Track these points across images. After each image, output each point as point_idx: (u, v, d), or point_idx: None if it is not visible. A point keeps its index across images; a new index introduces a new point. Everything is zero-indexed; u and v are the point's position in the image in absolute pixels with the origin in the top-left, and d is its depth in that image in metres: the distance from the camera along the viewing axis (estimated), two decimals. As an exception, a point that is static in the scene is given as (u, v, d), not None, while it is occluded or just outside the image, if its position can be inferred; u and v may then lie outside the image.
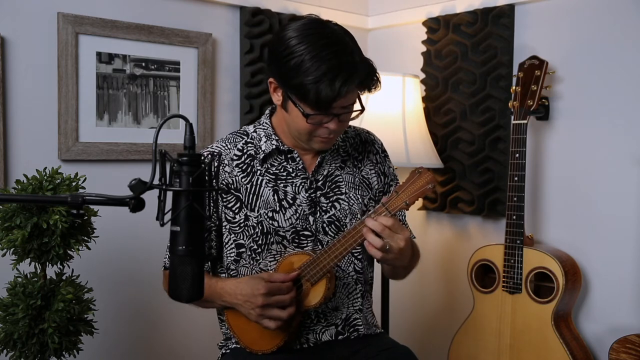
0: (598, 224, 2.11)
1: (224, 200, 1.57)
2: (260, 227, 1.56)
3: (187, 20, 2.28)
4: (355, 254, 1.64)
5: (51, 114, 2.01)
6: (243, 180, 1.58)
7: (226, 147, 1.60)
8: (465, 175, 2.43)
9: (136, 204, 1.00)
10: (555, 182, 2.22)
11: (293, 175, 1.60)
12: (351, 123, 1.59)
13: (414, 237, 1.68)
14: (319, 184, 1.61)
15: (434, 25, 2.52)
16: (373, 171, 1.70)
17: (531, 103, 2.03)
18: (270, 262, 1.57)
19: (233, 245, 1.59)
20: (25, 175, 1.54)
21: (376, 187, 1.69)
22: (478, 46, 2.36)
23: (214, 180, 1.04)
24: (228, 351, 1.65)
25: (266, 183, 1.58)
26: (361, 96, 1.49)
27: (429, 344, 2.65)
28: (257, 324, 1.49)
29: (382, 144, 1.76)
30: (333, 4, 2.70)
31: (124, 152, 2.15)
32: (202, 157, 1.00)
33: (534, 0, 2.24)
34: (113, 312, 2.13)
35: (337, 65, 1.38)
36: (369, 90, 1.49)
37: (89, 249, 1.60)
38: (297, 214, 1.57)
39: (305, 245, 1.58)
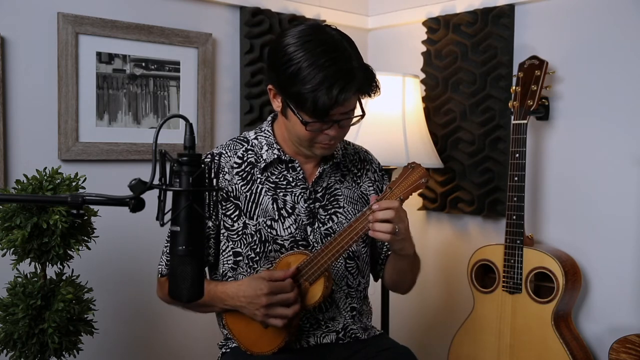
0: (598, 224, 2.11)
1: (223, 207, 1.57)
2: (259, 236, 1.56)
3: (187, 20, 2.28)
4: (349, 268, 1.63)
5: (51, 114, 2.01)
6: (243, 188, 1.57)
7: (226, 155, 1.59)
8: (465, 175, 2.43)
9: (136, 204, 1.00)
10: (555, 182, 2.22)
11: (293, 184, 1.59)
12: (351, 140, 1.57)
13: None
14: (318, 195, 1.61)
15: (434, 25, 2.52)
16: (372, 188, 1.70)
17: (531, 103, 2.03)
18: (268, 269, 1.56)
19: (230, 253, 1.59)
20: (25, 175, 1.54)
21: None
22: (478, 46, 2.36)
23: (214, 180, 1.03)
24: (228, 350, 1.65)
25: (266, 191, 1.57)
26: (362, 100, 1.48)
27: (429, 344, 2.65)
28: (264, 323, 1.49)
29: (379, 164, 1.77)
30: (333, 4, 2.70)
31: (124, 152, 2.15)
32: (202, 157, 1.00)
33: (534, 0, 2.24)
34: (113, 312, 2.13)
35: (335, 73, 1.37)
36: (369, 96, 1.48)
37: (89, 249, 1.60)
38: (296, 224, 1.57)
39: None
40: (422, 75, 2.57)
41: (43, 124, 2.00)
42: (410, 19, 2.66)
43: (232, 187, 1.57)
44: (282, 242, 1.56)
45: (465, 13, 2.41)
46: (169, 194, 0.98)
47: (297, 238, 1.57)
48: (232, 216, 1.57)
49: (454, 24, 2.44)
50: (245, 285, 1.50)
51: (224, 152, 1.60)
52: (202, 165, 0.98)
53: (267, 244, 1.56)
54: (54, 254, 1.52)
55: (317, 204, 1.60)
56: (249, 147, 1.61)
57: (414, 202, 2.61)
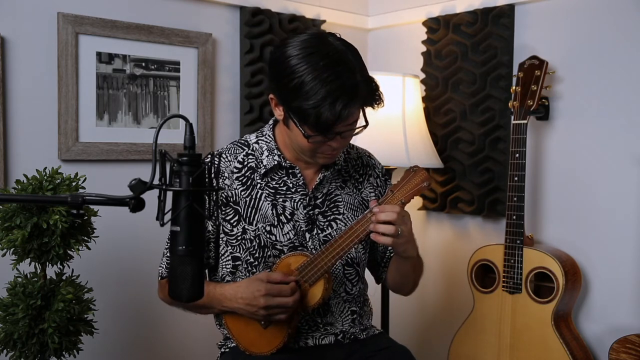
0: (598, 223, 2.11)
1: (223, 212, 1.56)
2: (258, 241, 1.55)
3: (187, 20, 2.28)
4: (347, 275, 1.63)
5: (51, 114, 2.01)
6: (242, 193, 1.56)
7: (226, 158, 1.58)
8: (465, 175, 2.43)
9: (136, 204, 1.00)
10: (555, 182, 2.22)
11: (293, 190, 1.58)
12: (351, 141, 1.56)
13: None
14: (318, 201, 1.60)
15: (434, 25, 2.52)
16: (373, 194, 1.68)
17: (531, 103, 2.03)
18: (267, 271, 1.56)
19: (229, 258, 1.58)
20: (25, 175, 1.54)
21: None
22: (478, 46, 2.36)
23: (215, 180, 1.03)
24: (227, 350, 1.65)
25: (265, 197, 1.56)
26: (365, 110, 1.46)
27: (429, 344, 2.65)
28: (267, 319, 1.49)
29: (382, 168, 1.75)
30: (333, 4, 2.70)
31: (124, 152, 2.15)
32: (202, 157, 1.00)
33: (534, 0, 2.24)
34: (113, 312, 2.13)
35: (338, 88, 1.35)
36: (372, 107, 1.46)
37: (89, 249, 1.60)
38: (295, 230, 1.56)
39: None
40: (422, 75, 2.57)
41: (43, 124, 2.00)
42: (410, 19, 2.66)
43: (231, 192, 1.56)
44: (280, 248, 1.55)
45: (465, 13, 2.41)
46: (169, 194, 0.98)
47: (296, 244, 1.56)
48: (232, 221, 1.56)
49: (454, 24, 2.44)
50: (243, 287, 1.49)
51: (224, 154, 1.59)
52: (202, 165, 0.98)
53: (266, 249, 1.55)
54: (54, 254, 1.52)
55: (317, 211, 1.59)
56: (249, 152, 1.59)
57: (414, 202, 2.60)
